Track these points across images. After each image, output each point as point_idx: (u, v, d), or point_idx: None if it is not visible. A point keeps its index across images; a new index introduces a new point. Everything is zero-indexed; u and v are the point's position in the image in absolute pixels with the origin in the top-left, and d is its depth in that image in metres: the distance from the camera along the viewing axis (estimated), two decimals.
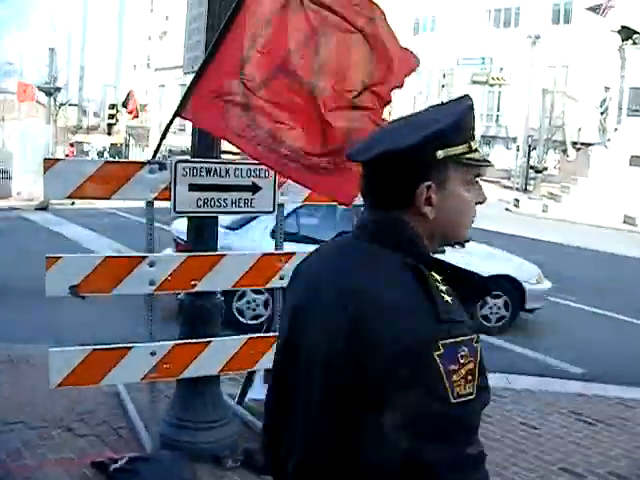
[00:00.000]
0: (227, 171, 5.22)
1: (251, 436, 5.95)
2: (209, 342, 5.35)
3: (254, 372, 6.38)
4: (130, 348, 5.18)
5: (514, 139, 66.17)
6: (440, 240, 1.90)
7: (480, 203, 1.92)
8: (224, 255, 5.37)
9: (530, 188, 44.43)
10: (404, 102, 72.41)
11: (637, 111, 35.64)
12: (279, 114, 4.59)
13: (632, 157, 34.91)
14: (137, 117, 55.41)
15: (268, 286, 5.63)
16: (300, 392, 1.88)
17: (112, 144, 52.86)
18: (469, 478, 1.67)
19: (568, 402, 7.96)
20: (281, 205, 5.60)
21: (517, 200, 38.55)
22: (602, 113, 38.02)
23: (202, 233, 5.43)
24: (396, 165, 1.79)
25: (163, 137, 5.33)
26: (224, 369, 5.52)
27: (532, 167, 44.93)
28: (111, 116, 56.43)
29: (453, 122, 1.81)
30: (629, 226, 30.83)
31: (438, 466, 1.61)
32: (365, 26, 4.65)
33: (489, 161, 1.95)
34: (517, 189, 45.18)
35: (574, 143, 56.79)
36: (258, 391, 6.33)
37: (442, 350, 1.61)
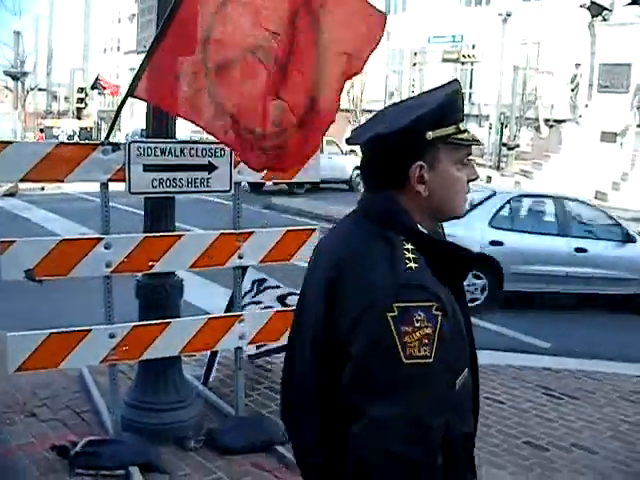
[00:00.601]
0: (182, 151, 5.18)
1: (215, 416, 5.95)
2: (168, 323, 5.32)
3: (216, 352, 6.37)
4: (89, 331, 5.14)
5: (487, 117, 66.18)
6: (436, 215, 2.06)
7: (472, 180, 2.07)
8: (181, 235, 5.34)
9: (503, 165, 44.53)
10: (377, 81, 72.40)
11: (607, 87, 35.81)
12: (236, 93, 4.57)
13: (603, 133, 35.11)
14: (117, 95, 54.77)
15: (227, 265, 5.59)
16: (297, 351, 2.13)
17: (82, 128, 52.42)
18: (409, 440, 1.73)
19: (534, 376, 8.03)
20: (237, 184, 5.56)
21: (489, 177, 38.66)
22: (573, 90, 38.21)
23: (159, 213, 5.38)
24: (389, 147, 1.94)
25: (116, 118, 5.27)
26: (184, 350, 5.49)
27: (505, 144, 45.07)
28: (80, 100, 55.90)
29: (441, 104, 1.96)
30: (600, 201, 30.99)
31: (379, 421, 1.73)
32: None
33: (478, 140, 2.09)
34: (490, 167, 45.27)
35: (546, 120, 56.89)
36: None
37: (396, 312, 1.74)
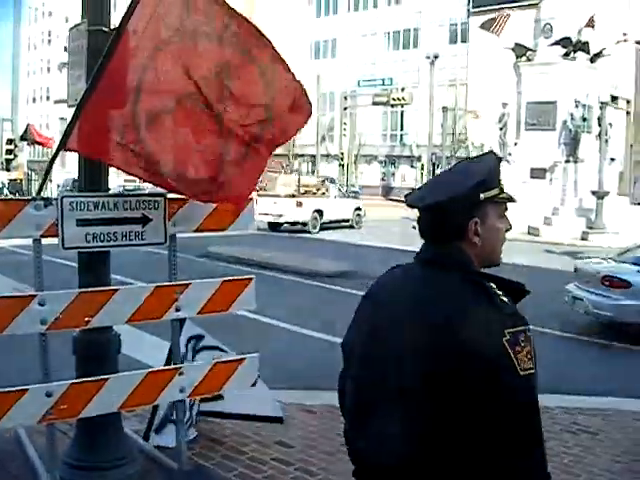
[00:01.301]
0: (115, 204, 5.12)
1: (158, 472, 5.84)
2: (106, 379, 5.22)
3: (157, 406, 6.27)
4: (25, 390, 5.02)
5: (418, 157, 67.14)
6: (483, 262, 2.52)
7: (508, 230, 2.61)
8: (117, 289, 5.26)
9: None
10: (308, 125, 72.78)
11: (534, 125, 36.61)
12: (169, 140, 4.57)
13: (532, 169, 35.84)
14: (50, 147, 54.07)
15: (164, 318, 5.52)
16: (390, 392, 2.37)
17: (11, 180, 51.55)
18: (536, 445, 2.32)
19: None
20: (173, 236, 5.52)
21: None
22: (501, 129, 38.84)
23: (93, 268, 5.31)
24: (453, 209, 2.41)
25: (47, 172, 5.21)
26: (124, 406, 5.38)
27: None
28: (9, 151, 55.16)
29: (490, 172, 2.50)
30: (533, 236, 31.54)
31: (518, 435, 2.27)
32: (269, 63, 4.75)
33: (513, 198, 2.61)
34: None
35: None
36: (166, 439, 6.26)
37: (508, 337, 2.23)
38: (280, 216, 32.96)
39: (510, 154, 37.36)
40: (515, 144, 37.75)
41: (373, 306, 2.57)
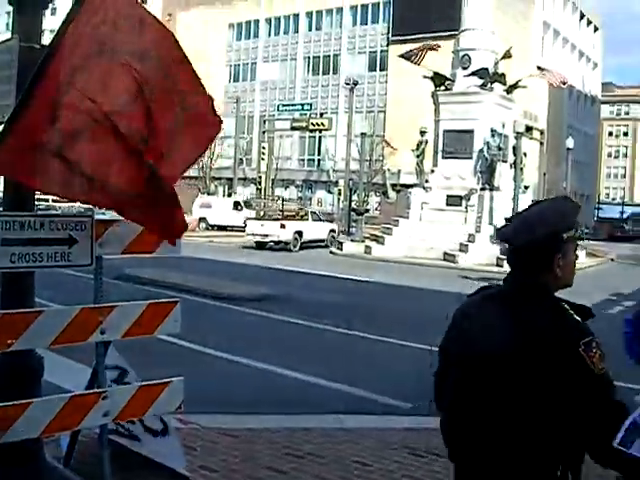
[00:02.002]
0: (42, 224, 5.01)
1: None
2: (28, 403, 5.08)
3: (78, 432, 6.13)
4: None
5: (336, 183, 67.44)
6: (560, 287, 3.11)
7: (576, 259, 3.23)
8: (41, 311, 5.14)
9: (353, 230, 45.31)
10: (226, 148, 72.67)
11: (451, 153, 37.14)
12: (99, 159, 4.50)
13: (448, 197, 36.34)
14: None
15: (89, 341, 5.40)
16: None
17: None
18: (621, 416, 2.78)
19: (399, 437, 8.06)
20: (99, 258, 5.42)
21: (340, 243, 39.26)
22: (418, 156, 39.34)
23: (17, 289, 5.18)
24: (543, 246, 3.02)
25: None
26: (46, 431, 5.24)
27: (354, 210, 45.91)
28: None
29: (573, 218, 3.14)
30: (449, 263, 31.95)
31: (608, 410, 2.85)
32: (188, 86, 4.73)
33: (583, 237, 3.82)
34: (341, 232, 46.01)
35: (394, 185, 58.37)
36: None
37: (583, 347, 2.84)
38: (266, 236, 39.11)
39: (427, 181, 37.87)
40: (432, 171, 38.25)
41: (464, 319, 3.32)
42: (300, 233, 39.79)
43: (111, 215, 5.02)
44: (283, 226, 38.82)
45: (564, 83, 41.35)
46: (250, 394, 9.57)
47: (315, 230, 41.74)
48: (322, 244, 41.19)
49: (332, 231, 43.54)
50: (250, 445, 7.24)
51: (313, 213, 44.54)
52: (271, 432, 7.84)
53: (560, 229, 3.04)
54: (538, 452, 2.87)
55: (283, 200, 50.91)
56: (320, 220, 43.83)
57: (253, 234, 39.81)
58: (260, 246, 39.16)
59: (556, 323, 2.91)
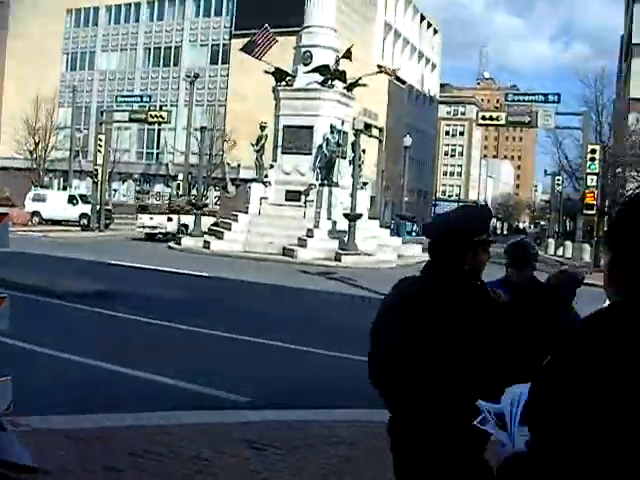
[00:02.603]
0: None
1: None
2: None
3: None
4: None
5: (175, 177, 66.58)
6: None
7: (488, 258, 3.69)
8: None
9: (192, 226, 44.82)
10: (62, 139, 70.61)
11: (291, 149, 37.31)
12: None
13: (288, 192, 36.52)
14: None
15: None
16: None
17: None
18: None
19: (238, 431, 7.91)
20: None
21: (178, 237, 38.78)
22: (258, 151, 39.30)
23: None
24: (456, 244, 3.52)
25: None
26: None
27: (193, 204, 45.39)
28: None
29: (484, 224, 3.69)
30: (288, 257, 32.04)
31: None
32: None
33: (494, 240, 3.91)
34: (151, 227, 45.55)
35: (233, 180, 58.11)
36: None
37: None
38: (154, 228, 43.54)
39: (266, 176, 37.87)
40: (271, 166, 38.31)
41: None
42: (186, 226, 42.97)
43: None
44: (170, 219, 43.04)
45: (394, 71, 42.36)
46: (83, 393, 9.17)
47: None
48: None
49: (215, 224, 43.54)
50: (85, 445, 6.93)
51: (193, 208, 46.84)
52: (107, 431, 7.54)
53: (472, 233, 3.52)
54: (457, 385, 3.31)
55: (170, 196, 54.26)
56: (204, 214, 44.59)
57: (143, 226, 44.26)
58: (150, 237, 42.89)
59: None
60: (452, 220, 3.69)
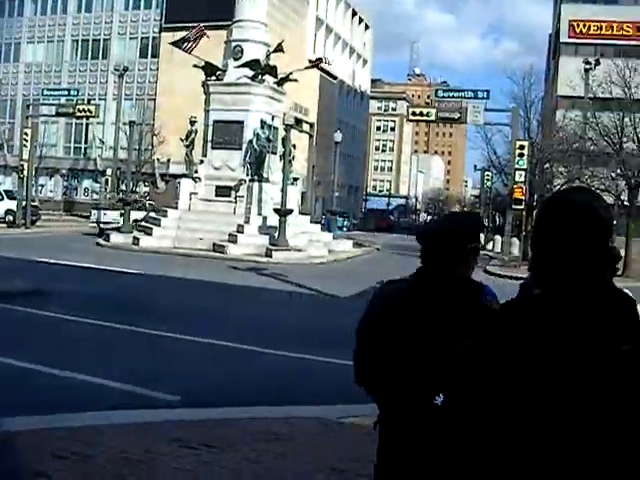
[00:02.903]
0: None
1: None
2: None
3: None
4: None
5: (103, 172, 65.73)
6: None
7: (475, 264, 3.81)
8: None
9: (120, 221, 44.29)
10: None
11: (221, 144, 37.10)
12: None
13: (218, 187, 36.30)
14: None
15: None
16: None
17: None
18: None
19: (169, 430, 7.80)
20: None
21: (107, 234, 38.27)
22: (188, 146, 39.00)
23: None
24: (451, 251, 3.55)
25: None
26: None
27: (122, 200, 44.82)
28: None
29: (477, 232, 3.83)
30: (219, 253, 31.83)
31: None
32: None
33: (480, 247, 4.04)
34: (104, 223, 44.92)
35: (163, 175, 57.64)
36: None
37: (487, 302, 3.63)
38: (108, 223, 43.29)
39: (196, 171, 37.59)
40: (201, 162, 38.02)
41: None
42: (137, 221, 42.41)
43: None
44: (122, 215, 41.46)
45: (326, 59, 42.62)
46: (6, 396, 8.90)
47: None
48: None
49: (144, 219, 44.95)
50: (9, 449, 6.74)
51: (150, 204, 49.70)
52: (32, 434, 7.34)
53: (467, 239, 3.62)
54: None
55: (124, 192, 52.14)
56: (154, 210, 45.21)
57: (97, 221, 45.38)
58: (102, 232, 41.90)
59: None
60: (448, 226, 3.79)
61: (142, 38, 76.50)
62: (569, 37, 70.76)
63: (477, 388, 2.15)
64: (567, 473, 2.00)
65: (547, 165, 44.30)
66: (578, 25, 70.18)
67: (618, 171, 36.15)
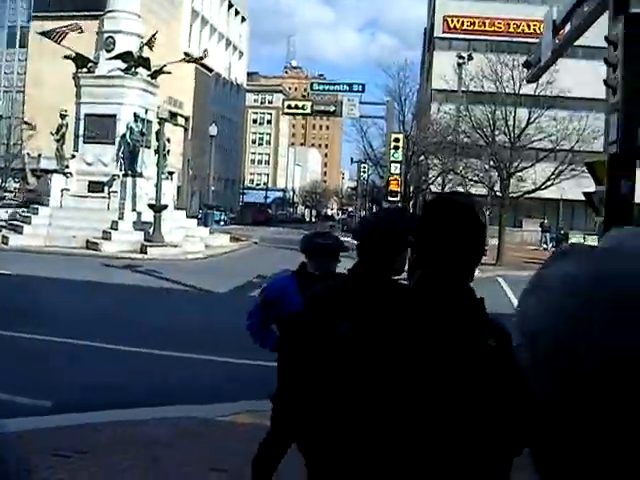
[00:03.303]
0: None
1: None
2: None
3: None
4: None
5: None
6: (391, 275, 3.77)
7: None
8: None
9: None
10: None
11: (93, 138, 36.27)
12: None
13: (90, 183, 35.48)
14: None
15: None
16: None
17: None
18: None
19: (40, 438, 7.36)
20: None
21: None
22: (59, 140, 37.90)
23: None
24: (390, 245, 3.66)
25: None
26: None
27: None
28: None
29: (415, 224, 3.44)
30: (93, 251, 31.06)
31: None
32: None
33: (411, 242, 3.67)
34: None
35: (34, 170, 56.01)
36: None
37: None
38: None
39: (68, 166, 36.57)
40: (73, 156, 37.04)
41: None
42: (6, 220, 41.37)
43: None
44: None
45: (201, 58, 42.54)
46: None
47: None
48: None
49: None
50: None
51: (20, 201, 49.61)
52: None
53: (407, 233, 3.47)
54: None
55: (19, 190, 53.27)
56: (25, 206, 43.72)
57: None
58: None
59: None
60: (386, 221, 3.80)
61: (9, 27, 74.12)
62: (443, 32, 71.94)
63: (348, 377, 2.14)
64: (437, 461, 2.06)
65: (422, 157, 45.06)
66: (452, 20, 71.43)
67: (491, 163, 37.02)
